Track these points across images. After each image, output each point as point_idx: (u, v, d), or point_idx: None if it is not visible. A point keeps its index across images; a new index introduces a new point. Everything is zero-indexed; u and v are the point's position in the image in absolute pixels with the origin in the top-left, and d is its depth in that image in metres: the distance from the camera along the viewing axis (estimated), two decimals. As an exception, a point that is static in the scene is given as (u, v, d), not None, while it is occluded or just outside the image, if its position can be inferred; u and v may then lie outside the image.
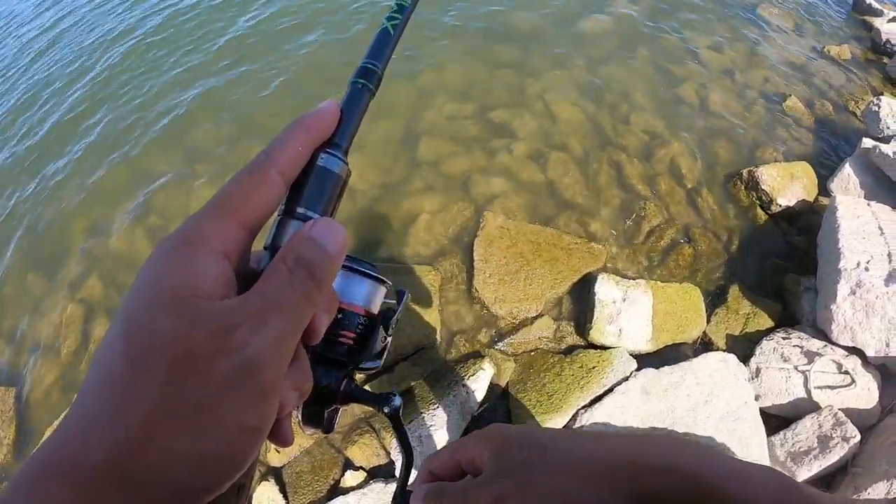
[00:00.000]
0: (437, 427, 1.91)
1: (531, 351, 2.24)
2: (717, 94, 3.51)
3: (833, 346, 2.12)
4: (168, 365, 0.24)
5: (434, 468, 0.45)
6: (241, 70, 3.82)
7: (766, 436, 1.93)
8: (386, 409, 0.44)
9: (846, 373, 2.05)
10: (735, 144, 3.18)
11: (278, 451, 1.97)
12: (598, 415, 1.91)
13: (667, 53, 3.84)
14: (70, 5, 5.88)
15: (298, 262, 0.28)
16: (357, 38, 3.86)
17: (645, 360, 2.16)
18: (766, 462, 1.88)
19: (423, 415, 1.94)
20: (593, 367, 2.08)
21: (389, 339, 0.44)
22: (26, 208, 3.32)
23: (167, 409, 0.24)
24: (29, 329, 2.70)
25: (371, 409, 0.46)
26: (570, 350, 2.23)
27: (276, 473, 1.97)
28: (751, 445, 1.89)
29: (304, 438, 1.99)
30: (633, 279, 2.37)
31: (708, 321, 2.34)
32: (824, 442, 1.87)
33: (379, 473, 1.94)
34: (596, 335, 2.22)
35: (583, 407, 1.97)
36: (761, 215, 2.79)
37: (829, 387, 2.04)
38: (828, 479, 1.89)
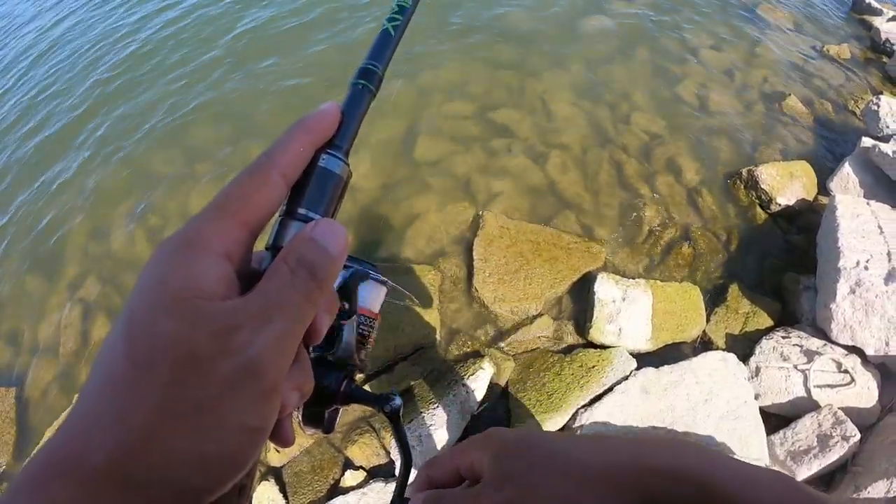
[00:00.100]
0: (437, 426, 1.91)
1: (531, 350, 2.25)
2: (716, 94, 3.51)
3: (833, 345, 2.12)
4: (169, 366, 0.24)
5: (431, 474, 0.44)
6: (242, 71, 3.83)
7: (765, 435, 1.93)
8: (387, 409, 0.44)
9: (846, 372, 2.05)
10: (735, 143, 3.18)
11: (278, 451, 1.97)
12: (598, 414, 1.91)
13: (666, 53, 3.84)
14: (72, 5, 5.88)
15: (300, 262, 0.28)
16: (358, 40, 3.86)
17: (644, 360, 2.16)
18: (766, 461, 1.88)
19: (423, 414, 1.94)
20: (593, 367, 2.08)
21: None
22: (26, 209, 3.32)
23: (169, 409, 0.24)
24: (29, 329, 2.71)
25: (371, 409, 0.46)
26: (570, 349, 2.23)
27: (276, 473, 1.97)
28: (750, 444, 1.89)
29: (303, 438, 1.99)
30: (633, 278, 2.37)
31: (707, 320, 2.34)
32: (824, 441, 1.87)
33: (379, 473, 1.94)
34: (595, 334, 2.22)
35: (582, 406, 1.97)
36: (761, 214, 2.79)
37: (829, 386, 2.04)
38: (827, 478, 1.90)
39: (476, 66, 3.59)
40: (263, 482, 1.92)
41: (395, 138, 3.08)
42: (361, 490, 1.83)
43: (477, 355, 2.18)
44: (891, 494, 1.68)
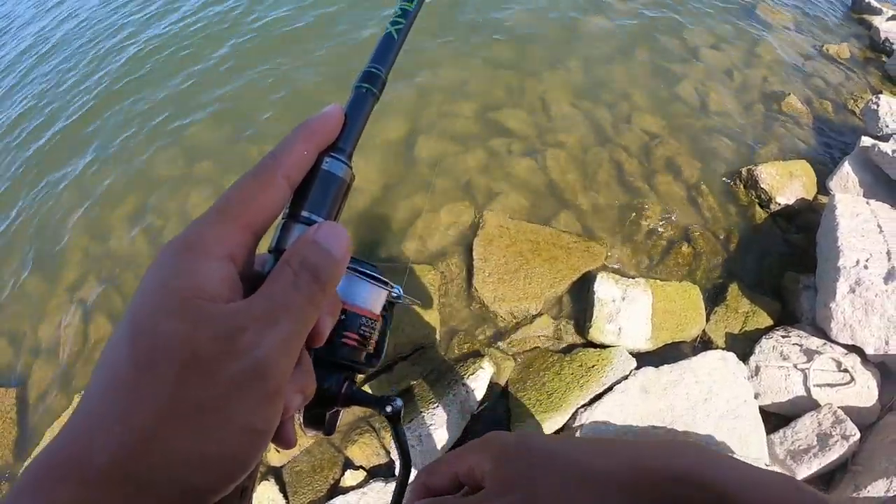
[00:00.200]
0: (437, 426, 1.91)
1: (531, 350, 2.25)
2: (716, 93, 3.51)
3: (832, 344, 2.12)
4: (172, 367, 0.24)
5: (429, 482, 0.42)
6: (244, 73, 3.82)
7: (765, 434, 1.94)
8: (388, 409, 0.44)
9: (846, 371, 2.05)
10: (734, 143, 3.18)
11: (278, 451, 1.97)
12: (598, 413, 1.91)
13: (666, 53, 3.84)
14: (74, 6, 5.88)
15: (303, 265, 0.28)
16: (361, 42, 3.85)
17: (644, 359, 2.16)
18: (766, 460, 1.88)
19: (423, 414, 1.94)
20: (593, 366, 2.08)
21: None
22: (27, 209, 3.32)
23: (171, 410, 0.24)
24: (30, 330, 2.71)
25: (372, 410, 0.46)
26: (570, 349, 2.23)
27: (276, 473, 1.97)
28: (750, 444, 1.89)
29: (303, 438, 1.99)
30: (633, 278, 2.37)
31: (707, 319, 2.34)
32: (824, 440, 1.87)
33: (379, 473, 1.94)
34: (595, 334, 2.22)
35: (582, 406, 1.97)
36: (760, 214, 2.79)
37: (829, 385, 2.04)
38: (827, 477, 1.90)
39: (476, 65, 3.59)
40: (264, 482, 1.92)
41: (395, 138, 3.08)
42: (361, 490, 1.83)
43: (477, 355, 2.18)
44: (891, 493, 1.68)
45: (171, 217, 2.94)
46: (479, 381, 2.05)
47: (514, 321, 2.33)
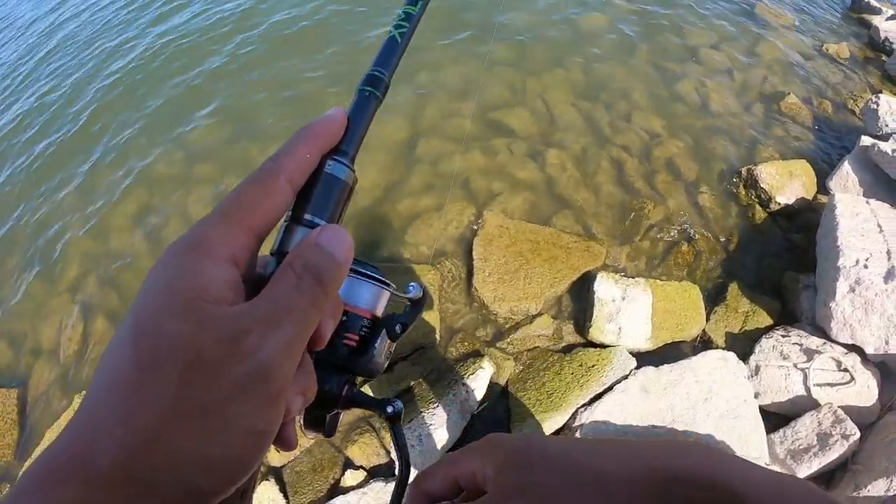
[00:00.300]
0: (437, 426, 1.91)
1: (531, 349, 2.25)
2: (715, 93, 3.51)
3: (832, 344, 2.13)
4: (175, 368, 0.24)
5: (428, 488, 0.41)
6: (247, 75, 3.82)
7: (765, 433, 1.94)
8: (389, 410, 0.44)
9: (845, 370, 2.05)
10: (734, 142, 3.18)
11: (279, 452, 1.97)
12: (598, 413, 1.91)
13: (666, 52, 3.84)
14: (75, 6, 5.87)
15: (306, 268, 0.28)
16: (365, 45, 3.84)
17: (644, 359, 2.16)
18: (766, 459, 1.88)
19: (423, 414, 1.95)
20: (593, 366, 2.08)
21: (393, 346, 0.43)
22: (29, 210, 3.32)
23: (174, 411, 0.24)
24: (30, 331, 2.71)
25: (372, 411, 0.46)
26: (570, 348, 2.23)
27: (276, 473, 1.97)
28: (750, 443, 1.89)
29: (304, 438, 1.99)
30: (633, 277, 2.37)
31: (707, 319, 2.35)
32: (824, 439, 1.87)
33: (379, 472, 1.94)
34: (595, 333, 2.22)
35: (582, 405, 1.97)
36: (760, 213, 2.79)
37: (829, 384, 2.04)
38: (827, 477, 1.90)
39: (476, 65, 3.59)
40: (264, 482, 1.92)
41: (395, 138, 3.08)
42: (361, 490, 1.84)
43: (477, 355, 2.18)
44: (891, 493, 1.68)
45: (172, 218, 2.94)
46: (479, 381, 2.05)
47: (515, 321, 2.33)
